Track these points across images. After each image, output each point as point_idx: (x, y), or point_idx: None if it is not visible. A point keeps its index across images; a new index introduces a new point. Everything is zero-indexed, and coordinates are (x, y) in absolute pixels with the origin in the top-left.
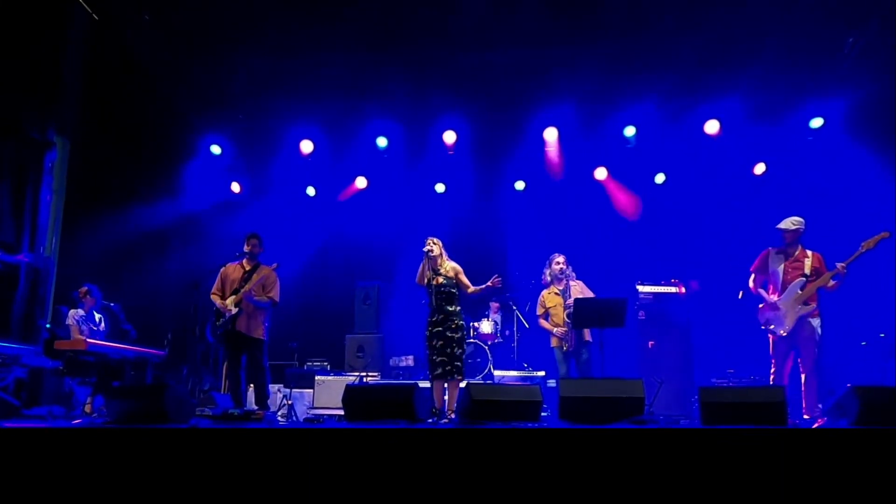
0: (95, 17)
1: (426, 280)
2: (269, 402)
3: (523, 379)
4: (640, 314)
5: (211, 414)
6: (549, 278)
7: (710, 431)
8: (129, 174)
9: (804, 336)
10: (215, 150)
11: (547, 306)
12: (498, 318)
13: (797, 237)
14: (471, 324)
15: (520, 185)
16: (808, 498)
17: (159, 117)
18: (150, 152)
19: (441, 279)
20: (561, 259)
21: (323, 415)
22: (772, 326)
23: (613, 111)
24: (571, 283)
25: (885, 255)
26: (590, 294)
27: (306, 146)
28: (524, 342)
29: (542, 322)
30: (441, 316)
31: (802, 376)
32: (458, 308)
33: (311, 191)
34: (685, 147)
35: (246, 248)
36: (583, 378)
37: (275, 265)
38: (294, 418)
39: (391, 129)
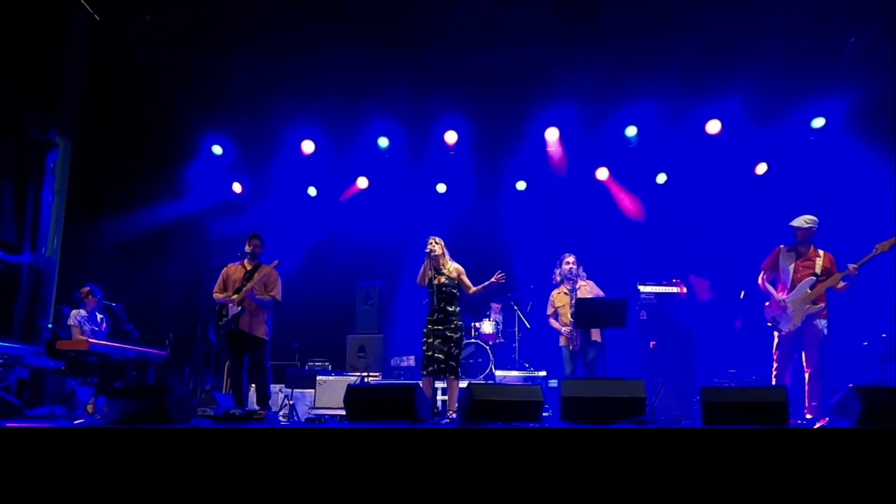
0: (96, 18)
1: (427, 280)
2: (270, 402)
3: (525, 379)
4: (641, 314)
5: (212, 414)
6: (559, 278)
7: (712, 431)
8: (131, 174)
9: (810, 335)
10: (216, 150)
11: (556, 306)
12: (499, 318)
13: (809, 236)
14: (472, 324)
15: (521, 186)
16: (810, 498)
17: (160, 117)
18: (152, 152)
19: (443, 279)
20: (571, 259)
21: (324, 415)
22: (778, 324)
23: (614, 111)
24: (581, 283)
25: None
26: (600, 294)
27: (308, 146)
28: (525, 342)
29: (552, 321)
30: (441, 315)
31: (806, 375)
32: (458, 309)
33: (312, 191)
34: (686, 147)
35: (247, 249)
36: (584, 378)
37: (276, 262)
38: (295, 418)
39: (392, 129)
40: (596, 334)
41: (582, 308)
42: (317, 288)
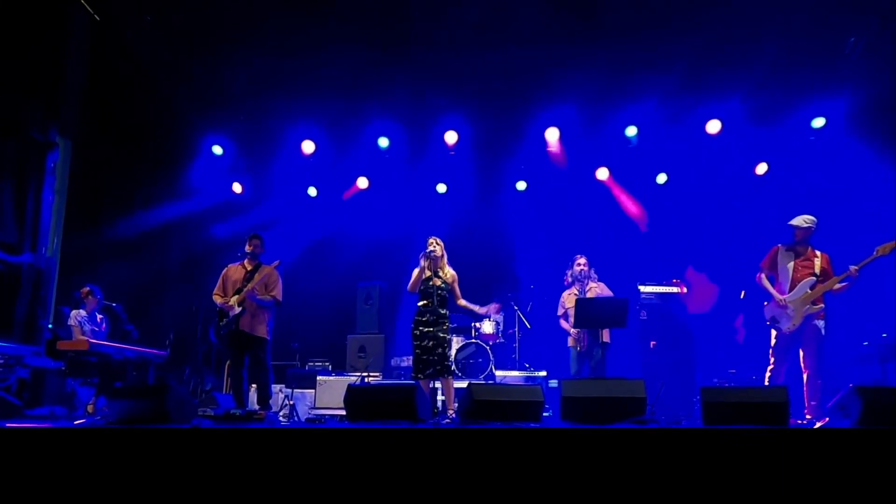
0: (97, 18)
1: (423, 281)
2: (270, 402)
3: (525, 379)
4: (641, 314)
5: (213, 414)
6: (570, 279)
7: (712, 431)
8: (131, 174)
9: (809, 335)
10: (217, 150)
11: (567, 307)
12: (499, 318)
13: (808, 236)
14: (472, 324)
15: (521, 186)
16: (810, 498)
17: (160, 117)
18: (152, 153)
19: (439, 282)
20: (583, 260)
21: (325, 415)
22: (777, 323)
23: (614, 111)
24: (592, 284)
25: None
26: (609, 295)
27: (308, 146)
28: (526, 342)
29: (562, 322)
30: (434, 317)
31: (804, 375)
32: (448, 312)
33: (312, 191)
34: (686, 147)
35: (248, 249)
36: (584, 378)
37: (276, 262)
38: (296, 418)
39: (392, 129)
40: (606, 335)
41: (582, 308)
42: (317, 288)
